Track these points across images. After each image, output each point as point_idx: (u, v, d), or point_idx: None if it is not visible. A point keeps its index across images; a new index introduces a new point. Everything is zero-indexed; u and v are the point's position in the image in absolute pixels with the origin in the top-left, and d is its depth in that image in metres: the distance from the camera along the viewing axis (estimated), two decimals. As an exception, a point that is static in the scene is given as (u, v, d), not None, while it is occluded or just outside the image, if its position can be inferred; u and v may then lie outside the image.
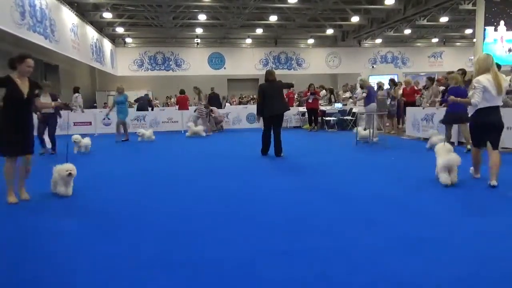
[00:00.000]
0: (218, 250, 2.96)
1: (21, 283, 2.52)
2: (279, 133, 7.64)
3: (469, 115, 5.19)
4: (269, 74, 7.77)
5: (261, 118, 7.78)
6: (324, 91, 15.74)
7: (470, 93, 5.00)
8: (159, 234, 3.36)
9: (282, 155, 7.58)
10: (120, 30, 23.11)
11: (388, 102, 12.27)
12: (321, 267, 2.62)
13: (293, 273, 2.54)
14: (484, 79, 4.75)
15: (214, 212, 3.99)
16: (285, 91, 17.89)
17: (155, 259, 2.82)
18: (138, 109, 15.13)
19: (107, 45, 23.51)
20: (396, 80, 14.22)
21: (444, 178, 4.80)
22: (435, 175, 5.12)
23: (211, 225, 3.58)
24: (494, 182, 4.70)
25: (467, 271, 2.53)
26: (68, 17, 15.96)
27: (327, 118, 13.89)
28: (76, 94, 15.07)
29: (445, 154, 4.94)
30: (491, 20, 13.90)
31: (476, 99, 4.75)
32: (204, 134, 12.50)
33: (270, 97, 7.49)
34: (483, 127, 4.89)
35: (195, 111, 13.60)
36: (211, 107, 14.74)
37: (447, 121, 7.95)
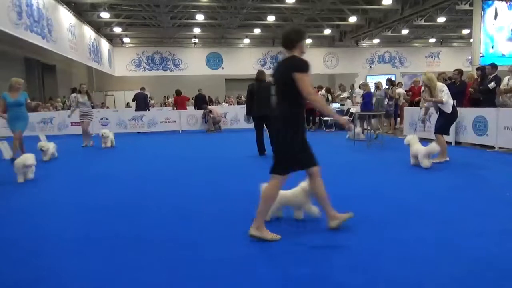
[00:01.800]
0: (216, 250, 2.95)
1: None
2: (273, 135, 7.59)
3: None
4: (259, 74, 7.77)
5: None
6: (323, 90, 15.75)
7: (440, 95, 6.29)
8: (157, 233, 3.35)
9: None
10: (117, 30, 23.07)
11: (386, 102, 12.29)
12: (320, 267, 2.62)
13: (292, 273, 2.55)
14: (444, 85, 6.50)
15: (211, 212, 3.99)
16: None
17: (152, 259, 2.81)
18: (136, 109, 15.07)
19: (104, 45, 23.47)
20: (393, 79, 14.24)
21: (426, 162, 5.96)
22: (411, 163, 6.22)
23: (208, 225, 3.58)
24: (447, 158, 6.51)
25: (466, 270, 2.54)
26: (66, 17, 15.91)
27: (324, 118, 13.90)
28: (74, 94, 15.03)
29: (417, 143, 6.19)
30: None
31: (447, 98, 6.30)
32: (92, 143, 10.19)
33: (258, 97, 7.48)
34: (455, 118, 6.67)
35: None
36: (209, 108, 14.77)
37: (363, 117, 10.74)
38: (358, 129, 10.22)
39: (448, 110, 6.36)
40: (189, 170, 6.50)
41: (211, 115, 14.37)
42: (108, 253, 2.95)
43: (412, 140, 6.29)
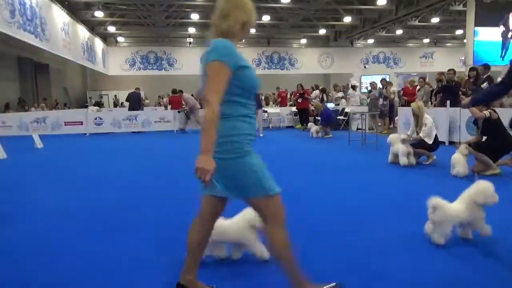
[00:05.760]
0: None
1: None
2: None
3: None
4: None
5: None
6: (316, 91, 15.80)
7: (423, 128, 6.27)
8: (150, 238, 3.34)
9: None
10: (111, 29, 22.95)
11: (380, 102, 12.36)
12: (317, 266, 2.62)
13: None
14: (430, 118, 6.45)
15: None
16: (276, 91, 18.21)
17: (149, 259, 2.80)
18: (129, 109, 15.00)
19: (98, 44, 23.33)
20: (387, 80, 14.31)
21: (403, 160, 6.21)
22: (388, 161, 6.57)
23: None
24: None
25: (461, 269, 2.56)
26: (59, 16, 15.80)
27: (319, 118, 13.92)
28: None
29: (398, 143, 6.42)
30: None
31: (427, 133, 6.33)
32: None
33: None
34: None
35: None
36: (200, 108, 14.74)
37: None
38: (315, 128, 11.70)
39: (430, 141, 6.31)
40: (186, 169, 6.49)
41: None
42: (105, 242, 2.94)
43: (394, 139, 6.59)
